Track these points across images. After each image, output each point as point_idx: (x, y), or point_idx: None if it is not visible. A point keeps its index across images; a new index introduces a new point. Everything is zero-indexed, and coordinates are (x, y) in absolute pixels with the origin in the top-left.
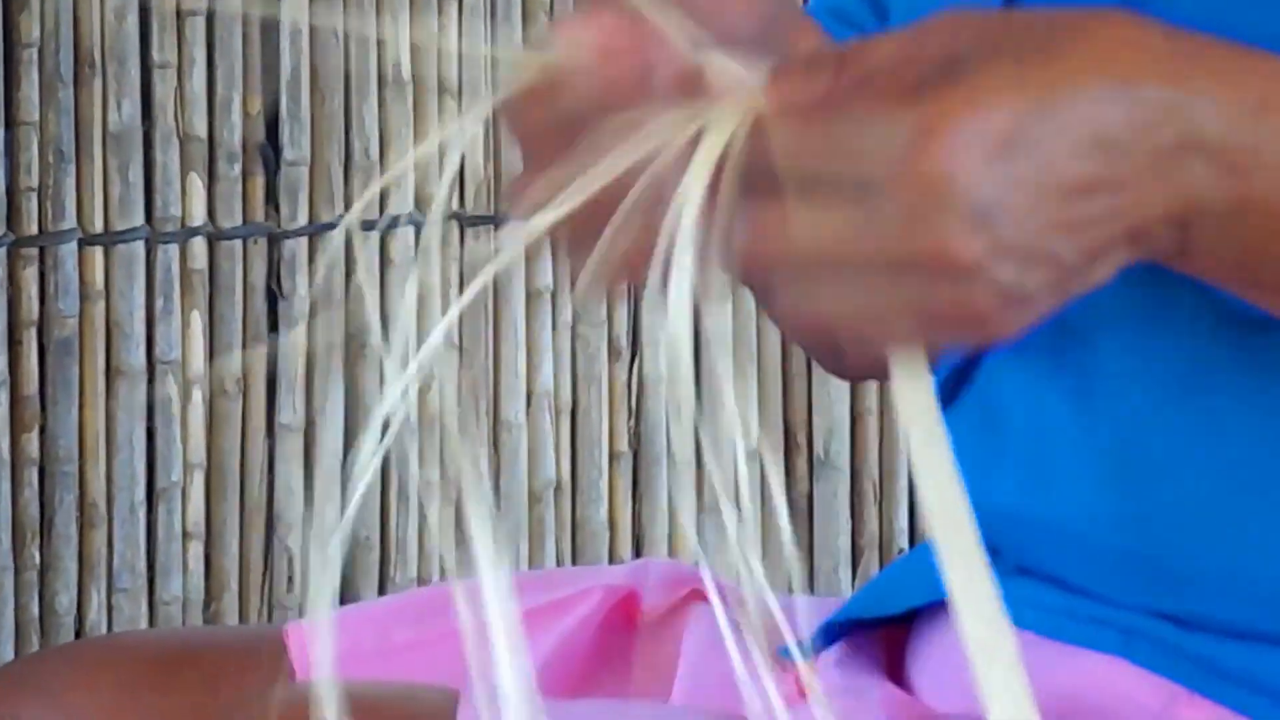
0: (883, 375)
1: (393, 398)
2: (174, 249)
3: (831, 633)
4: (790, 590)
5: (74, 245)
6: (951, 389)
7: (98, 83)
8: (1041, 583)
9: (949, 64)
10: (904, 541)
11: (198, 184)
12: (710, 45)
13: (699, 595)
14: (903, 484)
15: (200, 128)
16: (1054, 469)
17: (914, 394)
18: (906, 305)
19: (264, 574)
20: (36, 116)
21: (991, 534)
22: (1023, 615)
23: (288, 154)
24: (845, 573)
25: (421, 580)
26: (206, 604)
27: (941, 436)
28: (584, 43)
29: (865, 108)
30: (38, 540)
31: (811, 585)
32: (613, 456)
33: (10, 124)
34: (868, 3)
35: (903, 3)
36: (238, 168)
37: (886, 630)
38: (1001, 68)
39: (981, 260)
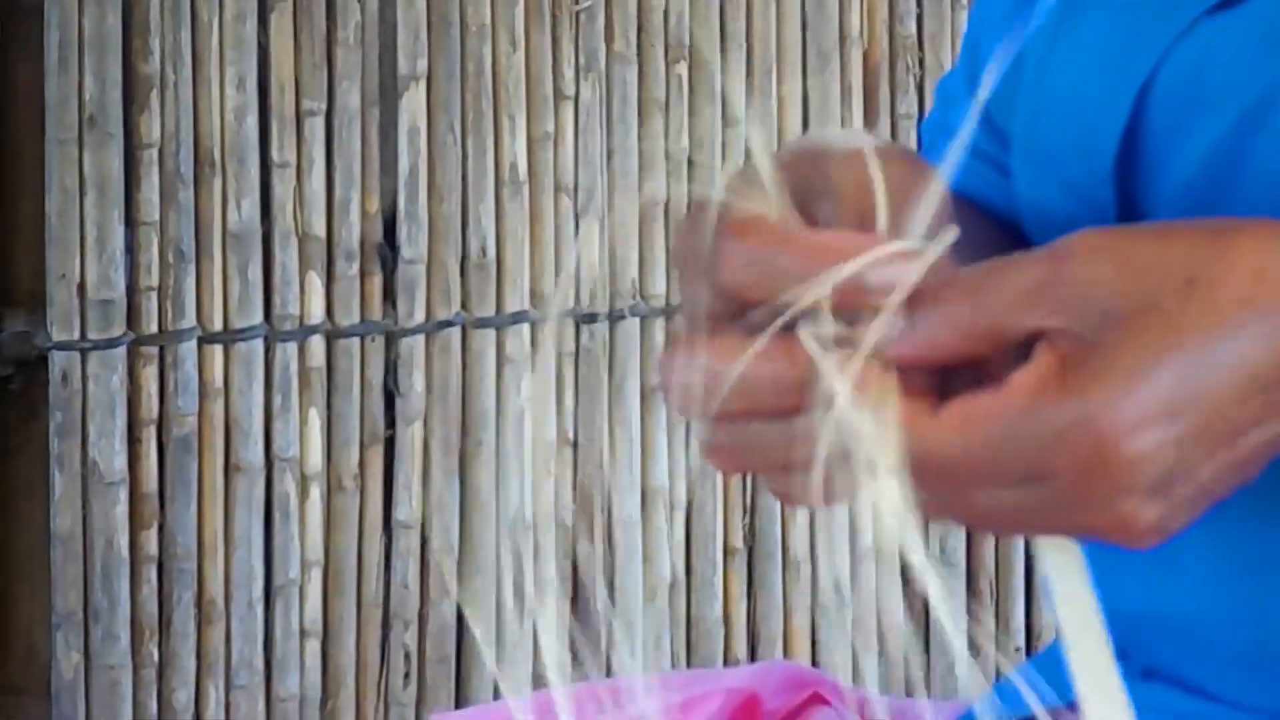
0: None
1: (509, 495)
2: (292, 347)
3: None
4: (909, 691)
5: (193, 344)
6: None
7: (217, 182)
8: (1168, 686)
9: (1094, 317)
10: (1020, 640)
11: (316, 282)
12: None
13: (820, 699)
14: (1018, 582)
15: (319, 227)
16: (1180, 569)
17: (1066, 574)
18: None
19: (380, 671)
20: (157, 216)
21: (1118, 636)
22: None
23: (405, 252)
24: (962, 672)
25: (537, 679)
26: (323, 701)
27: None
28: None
29: (1028, 400)
30: (156, 637)
31: (928, 684)
32: (727, 553)
33: (131, 224)
34: (985, 125)
35: (1022, 143)
36: (355, 266)
37: None
38: (1151, 322)
39: (1160, 521)
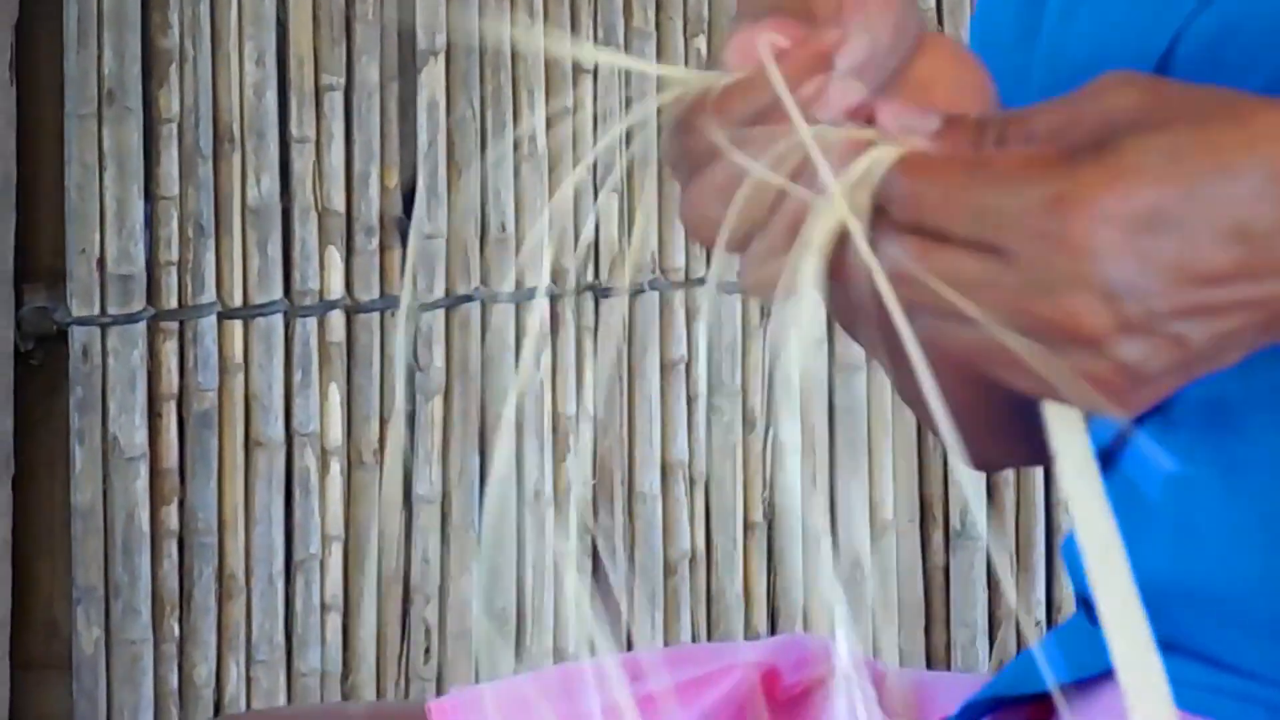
0: (1020, 464)
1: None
2: (312, 322)
3: (975, 710)
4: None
5: (213, 319)
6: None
7: (237, 157)
8: (1189, 658)
9: (1102, 134)
10: (1041, 613)
11: (336, 257)
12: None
13: None
14: (1039, 555)
15: (338, 202)
16: (1202, 541)
17: (1073, 452)
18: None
19: (401, 646)
20: (176, 191)
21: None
22: (1171, 692)
23: (424, 227)
24: (983, 645)
25: (558, 652)
26: (344, 676)
27: (1101, 494)
28: (758, 46)
29: (1016, 168)
30: (177, 612)
31: (948, 658)
32: (748, 527)
33: (150, 199)
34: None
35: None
36: (375, 241)
37: (1031, 708)
38: (1153, 144)
39: (1108, 334)
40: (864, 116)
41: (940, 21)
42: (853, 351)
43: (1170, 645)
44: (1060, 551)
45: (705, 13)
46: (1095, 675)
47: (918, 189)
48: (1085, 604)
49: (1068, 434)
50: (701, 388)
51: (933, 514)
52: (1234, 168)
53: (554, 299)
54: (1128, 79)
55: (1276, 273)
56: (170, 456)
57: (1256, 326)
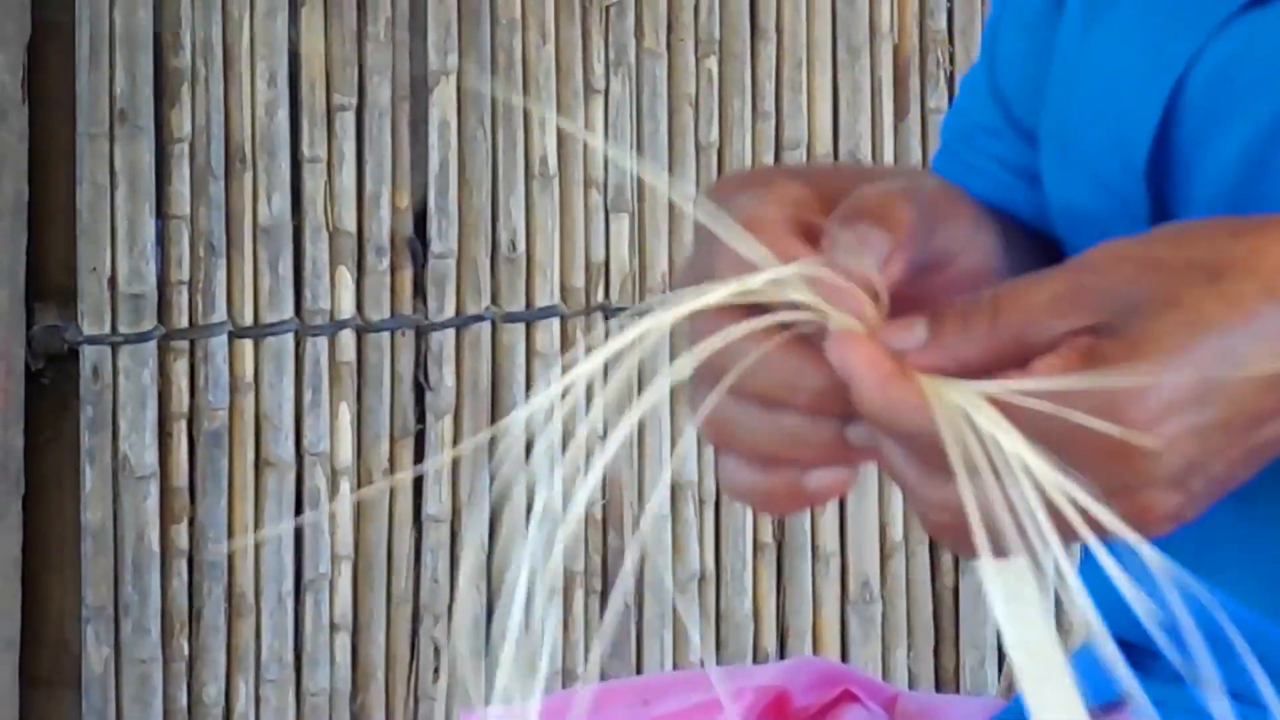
0: None
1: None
2: (323, 341)
3: None
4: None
5: (224, 338)
6: None
7: (248, 177)
8: (1199, 689)
9: (1119, 314)
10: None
11: (346, 277)
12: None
13: (851, 696)
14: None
15: (349, 221)
16: (1214, 572)
17: (1013, 598)
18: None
19: (410, 666)
20: (187, 210)
21: (1149, 639)
22: None
23: (435, 247)
24: (992, 667)
25: (566, 673)
26: (353, 696)
27: (1049, 637)
28: (852, 280)
29: (1047, 374)
30: (186, 631)
31: (958, 679)
32: (757, 547)
33: (162, 217)
34: (1008, 123)
35: (1052, 142)
36: (386, 261)
37: None
38: (1174, 316)
39: (1177, 509)
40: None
41: (951, 41)
42: None
43: (1179, 675)
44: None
45: (717, 33)
46: (1110, 702)
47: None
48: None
49: (1007, 582)
50: None
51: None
52: (1260, 316)
53: (565, 318)
54: (1119, 253)
55: None
56: (180, 476)
57: None
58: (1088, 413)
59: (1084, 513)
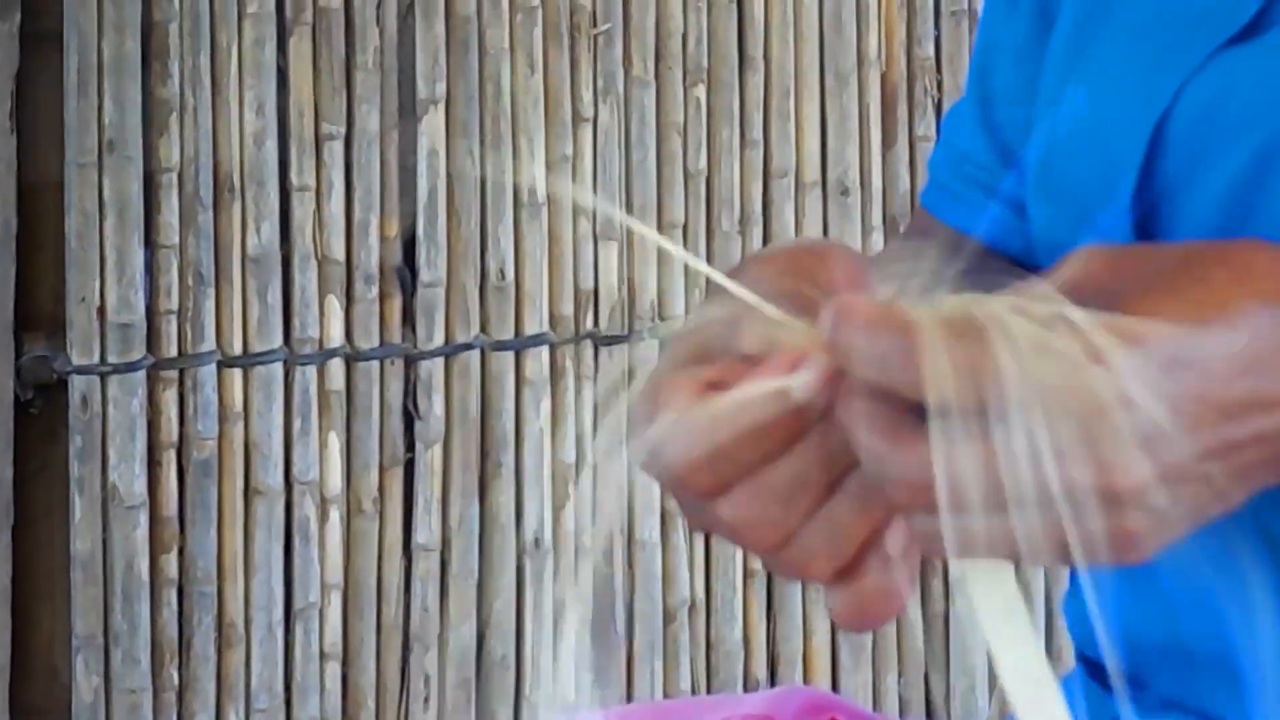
0: None
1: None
2: (312, 370)
3: None
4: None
5: (213, 367)
6: None
7: (237, 206)
8: (1188, 716)
9: (1101, 295)
10: None
11: (335, 306)
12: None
13: None
14: (1039, 603)
15: (338, 250)
16: (1199, 599)
17: (994, 603)
18: (1055, 534)
19: (400, 694)
20: (176, 240)
21: (1138, 667)
22: None
23: (424, 275)
24: (983, 693)
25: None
26: None
27: (1032, 642)
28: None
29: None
30: (176, 660)
31: (948, 706)
32: (747, 575)
33: (150, 247)
34: (998, 155)
35: (1037, 177)
36: (375, 289)
37: None
38: (1154, 295)
39: (1146, 485)
40: None
41: (939, 69)
42: None
43: (1169, 704)
44: (1061, 605)
45: (705, 62)
46: None
47: (930, 371)
48: (1085, 660)
49: (987, 584)
50: None
51: (932, 561)
52: (1233, 301)
53: (554, 346)
54: (1090, 251)
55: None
56: (170, 505)
57: (1267, 461)
58: (1061, 367)
59: (1063, 482)
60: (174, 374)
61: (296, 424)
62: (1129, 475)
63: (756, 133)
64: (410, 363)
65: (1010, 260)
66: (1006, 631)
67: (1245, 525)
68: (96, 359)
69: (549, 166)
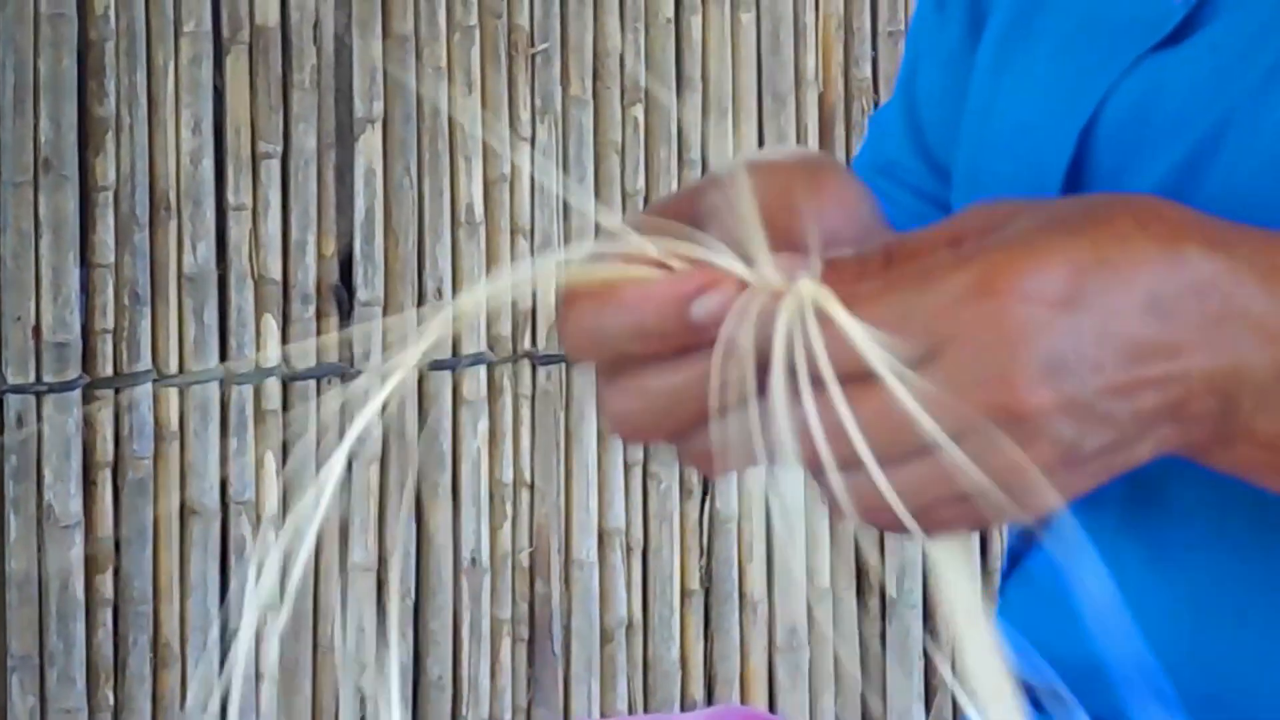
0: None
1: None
2: (248, 389)
3: None
4: None
5: (149, 387)
6: (1026, 542)
7: (173, 225)
8: None
9: (998, 231)
10: None
11: (272, 325)
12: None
13: None
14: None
15: (275, 269)
16: (1139, 618)
17: (960, 591)
18: (959, 478)
19: (336, 716)
20: (112, 259)
21: (1072, 685)
22: None
23: (361, 295)
24: (919, 712)
25: (493, 719)
26: None
27: (990, 633)
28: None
29: (930, 270)
30: (111, 681)
31: None
32: (684, 595)
33: (86, 266)
34: (922, 159)
35: (964, 180)
36: (312, 309)
37: None
38: (1051, 232)
39: (1048, 411)
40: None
41: (876, 90)
42: None
43: None
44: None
45: (642, 81)
46: None
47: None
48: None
49: (954, 571)
50: (638, 455)
51: (869, 580)
52: (1132, 242)
53: (491, 366)
54: (1002, 201)
55: (1186, 346)
56: (105, 524)
57: (1171, 408)
58: (961, 288)
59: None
60: (109, 393)
61: (233, 443)
62: (1031, 395)
63: (694, 153)
64: (347, 382)
65: None
66: (970, 626)
67: (1137, 538)
68: (32, 378)
69: (487, 186)
